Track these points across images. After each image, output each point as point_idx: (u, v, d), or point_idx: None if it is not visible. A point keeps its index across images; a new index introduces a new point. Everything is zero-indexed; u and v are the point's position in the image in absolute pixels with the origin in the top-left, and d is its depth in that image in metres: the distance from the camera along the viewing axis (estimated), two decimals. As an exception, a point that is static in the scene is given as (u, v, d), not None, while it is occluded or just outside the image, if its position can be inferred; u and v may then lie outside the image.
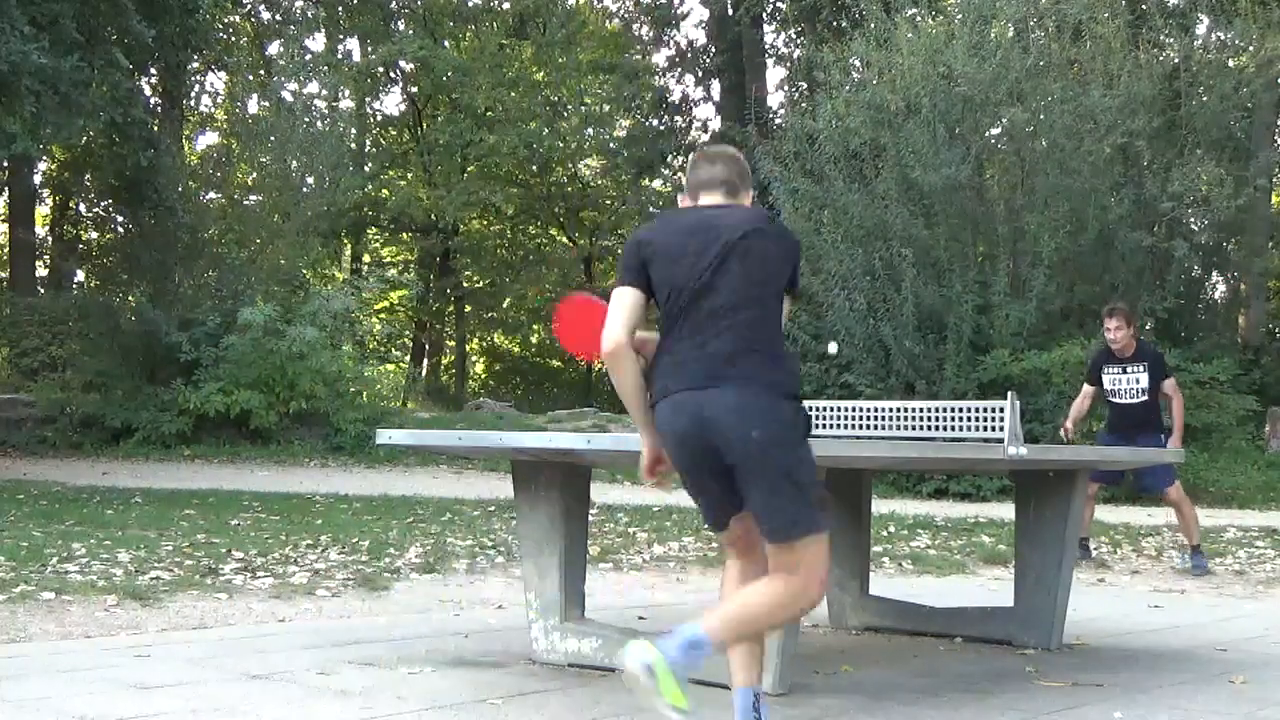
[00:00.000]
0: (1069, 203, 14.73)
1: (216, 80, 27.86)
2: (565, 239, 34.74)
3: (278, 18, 29.34)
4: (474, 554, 7.83)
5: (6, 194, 26.39)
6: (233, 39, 27.50)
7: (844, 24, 22.40)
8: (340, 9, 30.70)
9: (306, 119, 23.15)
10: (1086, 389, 8.32)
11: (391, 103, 35.63)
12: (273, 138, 21.95)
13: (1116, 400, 8.08)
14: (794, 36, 27.35)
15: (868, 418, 4.98)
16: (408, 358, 34.19)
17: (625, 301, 3.17)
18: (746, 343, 3.08)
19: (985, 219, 15.31)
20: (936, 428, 4.81)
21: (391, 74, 31.73)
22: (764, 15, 26.72)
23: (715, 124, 28.62)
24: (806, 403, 5.19)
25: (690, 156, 3.50)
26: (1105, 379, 8.11)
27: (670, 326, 3.14)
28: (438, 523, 9.70)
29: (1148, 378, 7.97)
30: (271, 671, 4.12)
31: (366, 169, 29.64)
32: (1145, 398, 7.97)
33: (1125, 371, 8.05)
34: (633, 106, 29.92)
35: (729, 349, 3.06)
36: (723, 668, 3.17)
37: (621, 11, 32.57)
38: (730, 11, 25.93)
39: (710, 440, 3.03)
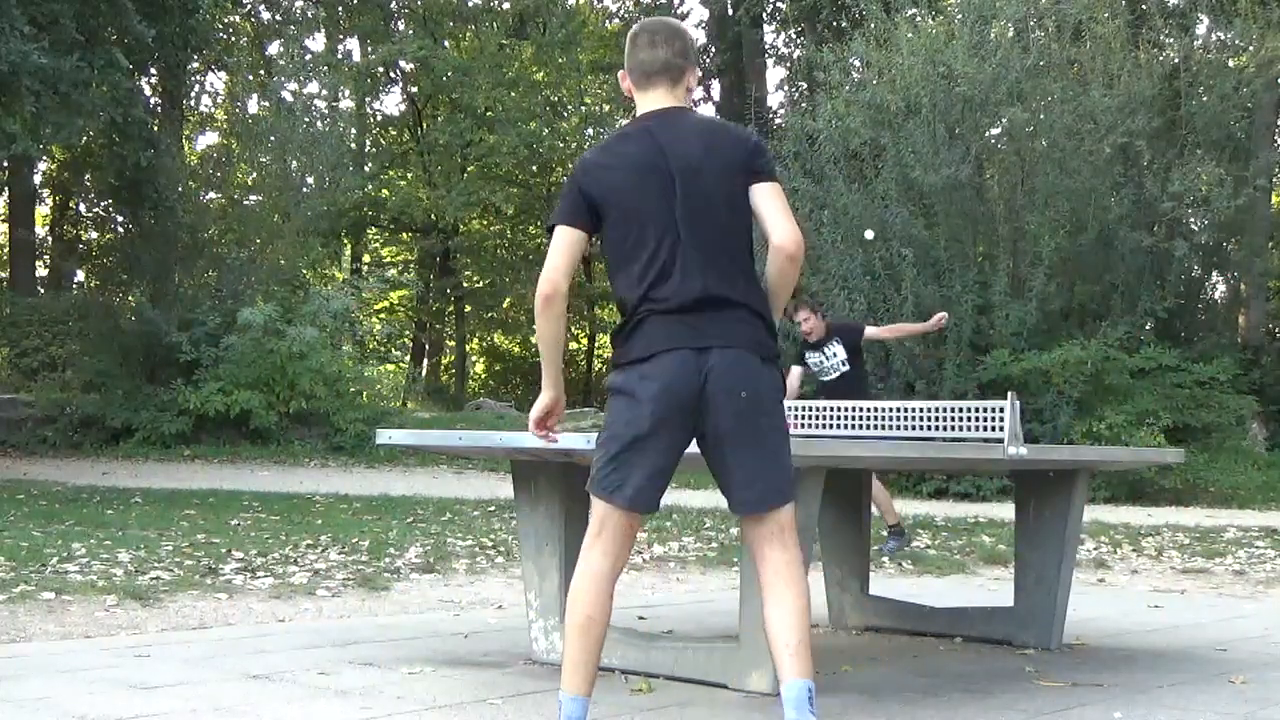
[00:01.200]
0: (1069, 203, 14.74)
1: (216, 80, 27.89)
2: (565, 239, 34.72)
3: (278, 18, 29.36)
4: (474, 554, 7.84)
5: (6, 194, 26.40)
6: (233, 39, 27.51)
7: (844, 24, 22.42)
8: (340, 9, 30.71)
9: (306, 119, 23.16)
10: (794, 369, 8.79)
11: (391, 103, 35.71)
12: (273, 138, 21.96)
13: (824, 379, 8.62)
14: (794, 36, 27.36)
15: (868, 418, 4.98)
16: (408, 358, 34.20)
17: (566, 240, 3.01)
18: (726, 291, 3.02)
19: (985, 219, 15.31)
20: (936, 428, 4.80)
21: (391, 74, 31.74)
22: (764, 15, 26.73)
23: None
24: (807, 403, 5.21)
25: (629, 32, 3.24)
26: (809, 362, 8.67)
27: (644, 273, 2.97)
28: (438, 523, 9.70)
29: (844, 350, 8.49)
30: (271, 671, 4.12)
31: (366, 169, 29.65)
32: (847, 368, 8.48)
33: (823, 352, 8.56)
34: (633, 106, 29.90)
35: (711, 303, 2.98)
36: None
37: (621, 11, 32.57)
38: (730, 11, 25.94)
39: (697, 403, 2.91)
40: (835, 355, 8.50)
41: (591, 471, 3.02)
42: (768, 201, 3.11)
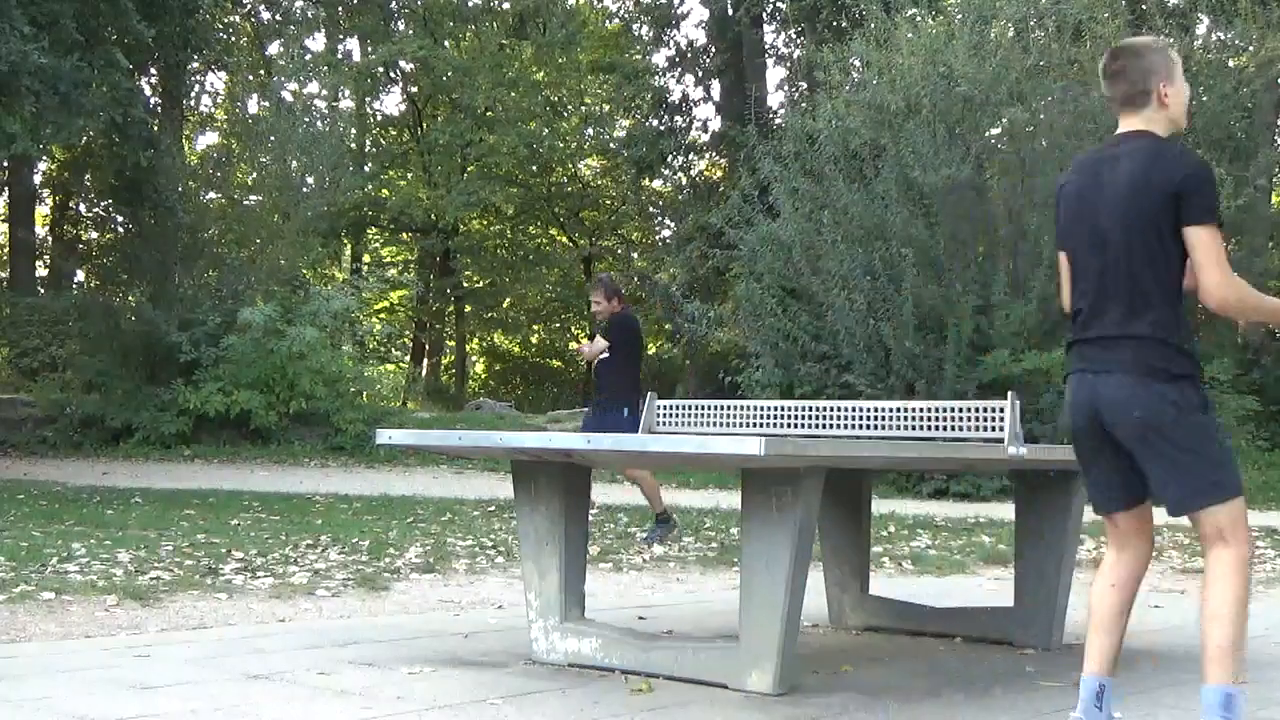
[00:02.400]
0: (1069, 203, 14.72)
1: (216, 80, 27.91)
2: (565, 239, 34.75)
3: (278, 18, 29.36)
4: (474, 554, 7.84)
5: (6, 194, 26.42)
6: (233, 39, 27.51)
7: (844, 24, 22.39)
8: (340, 9, 30.71)
9: (306, 119, 23.17)
10: (598, 339, 9.46)
11: (391, 103, 35.70)
12: (273, 138, 21.97)
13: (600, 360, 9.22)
14: (794, 36, 27.34)
15: (868, 418, 4.98)
16: (408, 358, 34.21)
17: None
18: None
19: (985, 219, 15.30)
20: (936, 428, 4.81)
21: (391, 74, 31.74)
22: (764, 15, 26.71)
23: (715, 124, 28.61)
24: (807, 403, 5.21)
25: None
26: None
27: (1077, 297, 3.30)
28: (438, 523, 9.70)
29: (605, 338, 9.09)
30: (271, 671, 4.12)
31: (366, 169, 29.66)
32: (605, 355, 9.06)
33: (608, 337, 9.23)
34: (633, 106, 29.90)
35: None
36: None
37: (621, 11, 32.57)
38: (730, 11, 25.92)
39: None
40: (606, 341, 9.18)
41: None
42: (1200, 246, 3.24)
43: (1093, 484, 3.28)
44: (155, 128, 19.75)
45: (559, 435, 6.06)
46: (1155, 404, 3.09)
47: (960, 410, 4.76)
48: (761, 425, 5.15)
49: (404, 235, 34.07)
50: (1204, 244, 3.10)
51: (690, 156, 29.96)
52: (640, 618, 5.45)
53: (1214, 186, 3.15)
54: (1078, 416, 3.22)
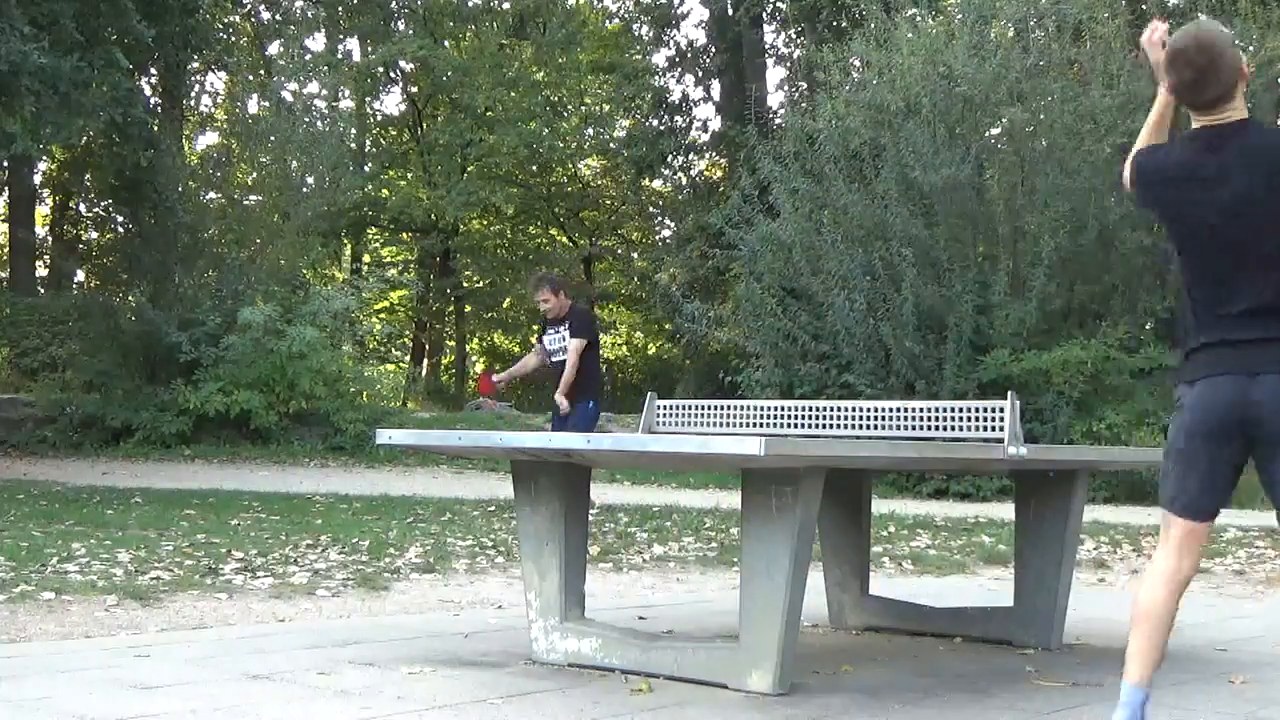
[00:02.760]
0: (1069, 203, 14.72)
1: (216, 80, 27.92)
2: (565, 239, 34.75)
3: (278, 18, 29.37)
4: (474, 554, 7.84)
5: (6, 194, 26.42)
6: (233, 39, 27.52)
7: (844, 24, 22.41)
8: (340, 9, 30.71)
9: (306, 119, 23.19)
10: (535, 345, 9.41)
11: (391, 103, 35.68)
12: (273, 138, 21.97)
13: (554, 359, 9.03)
14: (794, 36, 27.36)
15: (868, 418, 4.98)
16: (408, 358, 34.22)
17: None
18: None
19: (985, 219, 15.29)
20: (936, 428, 4.80)
21: (391, 74, 31.75)
22: (764, 15, 26.72)
23: (715, 124, 28.62)
24: (807, 403, 5.20)
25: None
26: (546, 340, 9.14)
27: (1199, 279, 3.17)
28: (438, 523, 9.70)
29: (568, 335, 8.94)
30: (271, 671, 4.12)
31: (366, 169, 29.66)
32: (566, 356, 8.96)
33: (557, 331, 9.05)
34: (633, 106, 29.92)
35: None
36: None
37: (621, 11, 32.59)
38: (730, 11, 25.93)
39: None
40: (563, 340, 8.96)
41: None
42: None
43: (1196, 486, 3.15)
44: (155, 128, 19.76)
45: (559, 435, 6.06)
46: None
47: (960, 410, 4.76)
48: (761, 425, 5.15)
49: (404, 235, 34.08)
50: None
51: (690, 156, 29.98)
52: (640, 618, 5.45)
53: None
54: (1210, 416, 3.08)
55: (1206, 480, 3.12)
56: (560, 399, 8.95)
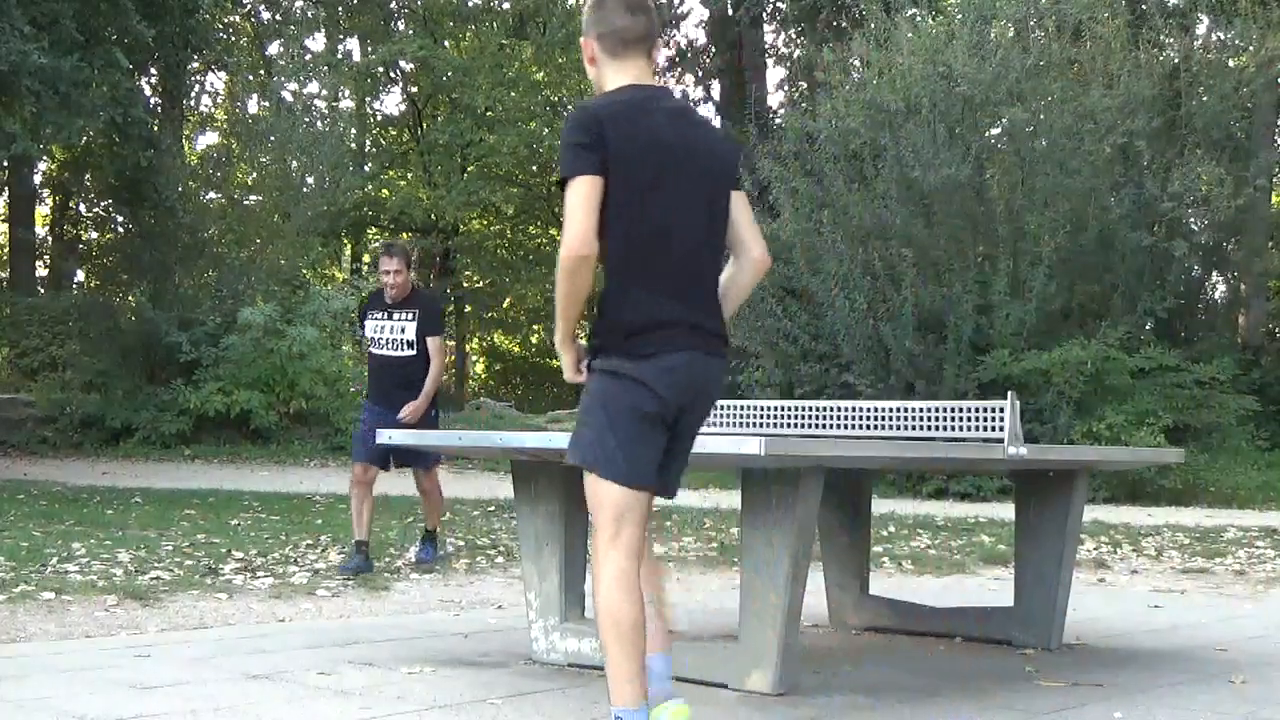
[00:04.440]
0: (1069, 203, 14.73)
1: (216, 80, 27.89)
2: (565, 239, 34.73)
3: (278, 18, 29.35)
4: (474, 554, 7.84)
5: (6, 194, 26.41)
6: (233, 39, 27.50)
7: (844, 24, 22.40)
8: (340, 9, 30.70)
9: (306, 119, 23.17)
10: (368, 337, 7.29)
11: (391, 103, 35.65)
12: (273, 138, 21.97)
13: (376, 350, 7.06)
14: (794, 36, 27.35)
15: (868, 418, 4.98)
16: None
17: (592, 193, 2.87)
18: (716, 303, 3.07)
19: (985, 219, 15.30)
20: (936, 428, 4.80)
21: (391, 74, 31.74)
22: (764, 15, 26.71)
23: (715, 124, 28.61)
24: (807, 403, 5.21)
25: None
26: (369, 325, 7.09)
27: (646, 258, 2.94)
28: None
29: (415, 328, 6.95)
30: (271, 671, 4.12)
31: (366, 169, 29.65)
32: (411, 352, 6.95)
33: (391, 318, 7.01)
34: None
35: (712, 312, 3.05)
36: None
37: (621, 11, 32.54)
38: (730, 11, 25.92)
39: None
40: (403, 331, 6.98)
41: None
42: (747, 211, 3.14)
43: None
44: (155, 128, 19.75)
45: (559, 435, 6.06)
46: None
47: (960, 410, 4.76)
48: (761, 425, 5.15)
49: (404, 235, 34.05)
50: None
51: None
52: (640, 618, 5.44)
53: None
54: None
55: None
56: (410, 412, 6.80)
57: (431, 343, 6.95)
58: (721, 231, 3.08)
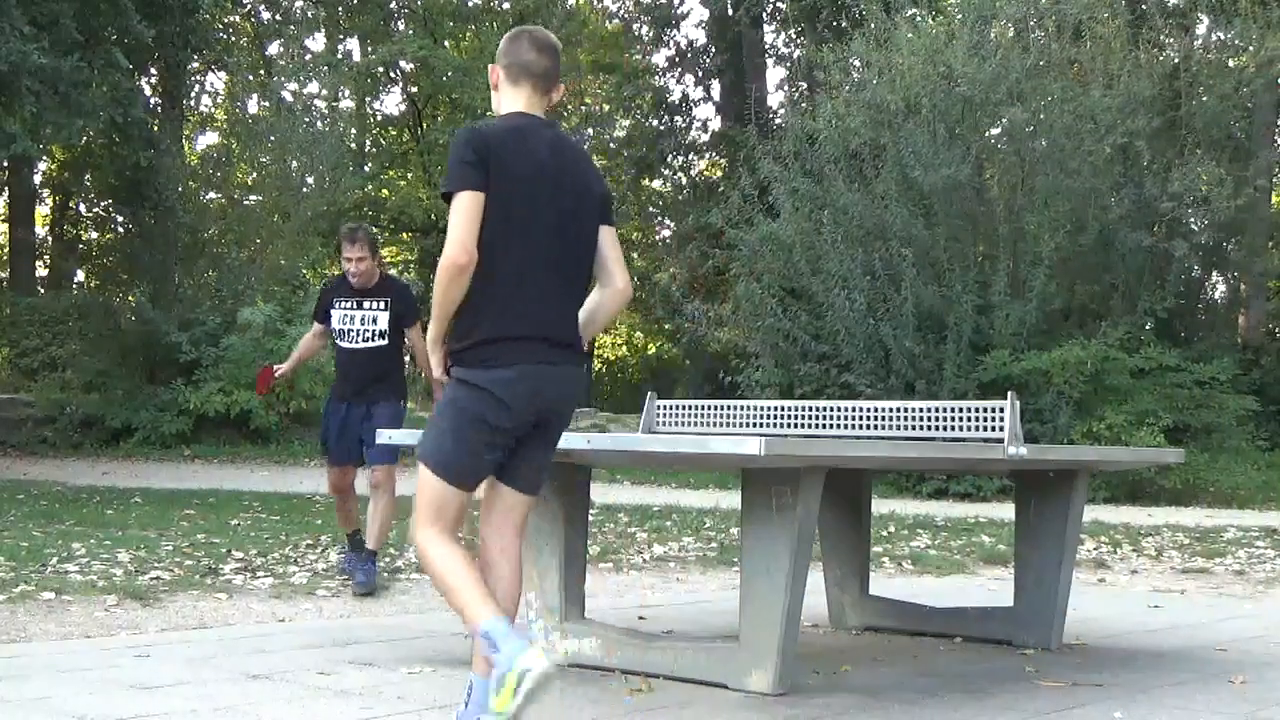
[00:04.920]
0: (1069, 203, 14.73)
1: (216, 80, 27.86)
2: (565, 239, 34.76)
3: (278, 18, 29.34)
4: (474, 554, 7.83)
5: (6, 194, 26.41)
6: (233, 39, 27.49)
7: (844, 24, 22.41)
8: (340, 9, 30.69)
9: (306, 119, 23.14)
10: (316, 327, 6.75)
11: (391, 103, 35.63)
12: (273, 138, 21.94)
13: (345, 344, 6.53)
14: (794, 36, 27.34)
15: (868, 418, 4.99)
16: (407, 357, 34.16)
17: (474, 207, 3.15)
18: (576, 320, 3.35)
19: (985, 219, 15.30)
20: (936, 428, 4.81)
21: (391, 74, 31.73)
22: (764, 15, 26.71)
23: (715, 124, 28.61)
24: (807, 403, 5.21)
25: (515, 30, 3.44)
26: (334, 315, 6.53)
27: (514, 276, 3.18)
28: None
29: (388, 318, 6.48)
30: (271, 671, 4.12)
31: (366, 169, 29.64)
32: (384, 342, 6.50)
33: (360, 306, 6.49)
34: (633, 106, 29.92)
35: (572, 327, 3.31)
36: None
37: (621, 11, 32.57)
38: (730, 11, 25.93)
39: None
40: (375, 322, 6.49)
41: None
42: (615, 247, 3.41)
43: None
44: (155, 128, 19.74)
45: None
46: None
47: (960, 410, 4.77)
48: (761, 425, 5.15)
49: (404, 235, 34.07)
50: None
51: (690, 156, 29.98)
52: (640, 618, 5.45)
53: None
54: None
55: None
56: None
57: (413, 332, 6.54)
58: (584, 258, 3.32)
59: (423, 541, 3.24)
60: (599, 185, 3.37)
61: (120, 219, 23.43)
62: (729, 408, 5.27)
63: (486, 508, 3.38)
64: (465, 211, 3.12)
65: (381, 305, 6.48)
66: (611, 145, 31.34)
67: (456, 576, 3.15)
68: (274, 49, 28.99)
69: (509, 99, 3.35)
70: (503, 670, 2.98)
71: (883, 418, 4.96)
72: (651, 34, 30.28)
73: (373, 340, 6.47)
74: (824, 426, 5.04)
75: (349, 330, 6.49)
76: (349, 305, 6.49)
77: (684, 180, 30.32)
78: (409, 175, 31.51)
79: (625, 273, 3.40)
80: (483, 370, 3.16)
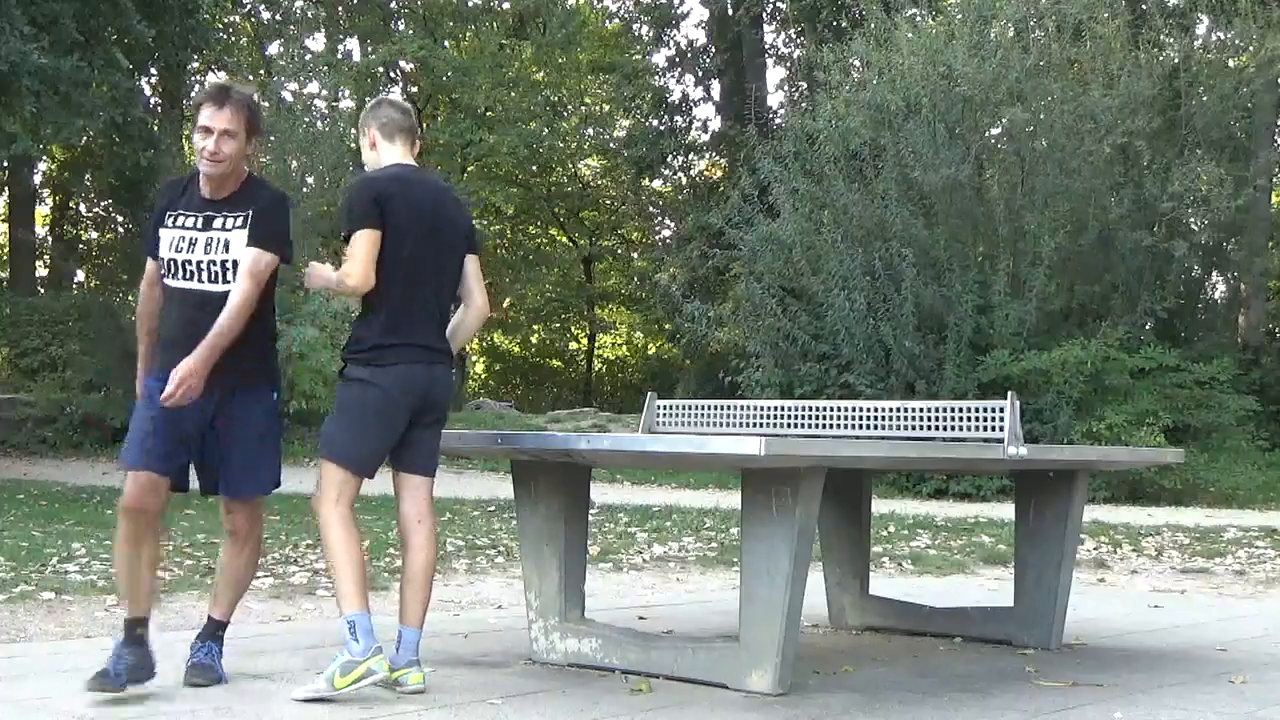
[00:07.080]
0: (1069, 203, 14.73)
1: (216, 80, 27.86)
2: (565, 239, 34.75)
3: (278, 18, 29.34)
4: (474, 554, 7.84)
5: (6, 194, 26.40)
6: (233, 39, 27.50)
7: (844, 24, 22.39)
8: (340, 9, 30.69)
9: (306, 119, 23.13)
10: (148, 266, 4.12)
11: (391, 103, 35.65)
12: (273, 138, 21.94)
13: (176, 282, 3.97)
14: (794, 36, 27.33)
15: (868, 418, 4.99)
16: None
17: (373, 243, 3.86)
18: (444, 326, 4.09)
19: (985, 219, 15.30)
20: (936, 428, 4.81)
21: (391, 74, 31.73)
22: (764, 15, 26.70)
23: (715, 124, 28.60)
24: (807, 403, 5.21)
25: (374, 100, 4.18)
26: (164, 236, 4.03)
27: (400, 295, 3.90)
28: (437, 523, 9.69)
29: (245, 243, 3.86)
30: (271, 671, 4.12)
31: (366, 169, 29.62)
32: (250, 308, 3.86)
33: (209, 226, 3.93)
34: (633, 106, 29.90)
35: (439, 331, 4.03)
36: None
37: (621, 11, 32.56)
38: (730, 11, 25.91)
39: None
40: (226, 247, 3.88)
41: None
42: (477, 272, 4.14)
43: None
44: (155, 128, 19.74)
45: (559, 435, 6.06)
46: None
47: (960, 410, 4.77)
48: (761, 425, 5.15)
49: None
50: None
51: (690, 156, 29.96)
52: (640, 618, 5.45)
53: None
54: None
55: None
56: (192, 365, 3.67)
57: (253, 255, 3.82)
58: (453, 282, 4.05)
59: (326, 518, 3.87)
60: (464, 220, 4.10)
61: (120, 219, 23.43)
62: (729, 408, 5.27)
63: (398, 493, 4.10)
64: (367, 246, 3.83)
65: (238, 222, 3.88)
66: (611, 145, 31.33)
67: (345, 562, 3.80)
68: (274, 49, 28.98)
69: (387, 153, 4.06)
70: (355, 660, 3.64)
71: (882, 418, 4.96)
72: (651, 34, 30.26)
73: (219, 280, 3.86)
74: (824, 426, 5.04)
75: (180, 260, 3.92)
76: (189, 222, 3.96)
77: (684, 180, 30.31)
78: (409, 175, 31.50)
79: (484, 294, 4.15)
80: (376, 369, 3.86)
